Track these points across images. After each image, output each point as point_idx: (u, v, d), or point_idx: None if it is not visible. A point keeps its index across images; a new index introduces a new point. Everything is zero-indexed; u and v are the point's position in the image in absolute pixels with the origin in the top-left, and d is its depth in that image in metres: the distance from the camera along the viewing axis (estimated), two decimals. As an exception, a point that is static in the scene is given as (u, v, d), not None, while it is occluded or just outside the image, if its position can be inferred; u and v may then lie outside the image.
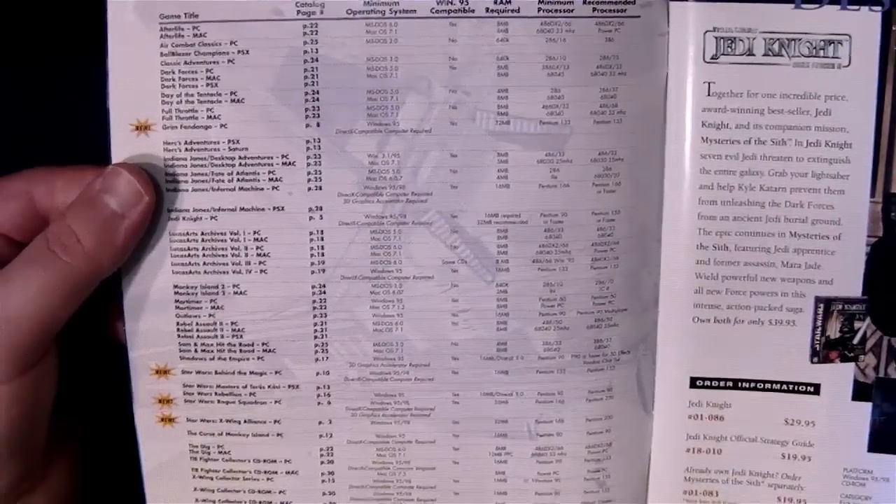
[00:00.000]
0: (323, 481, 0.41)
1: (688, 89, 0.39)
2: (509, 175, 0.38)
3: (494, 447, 0.41)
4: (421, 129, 0.38)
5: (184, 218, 0.39)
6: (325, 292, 0.39)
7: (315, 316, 0.39)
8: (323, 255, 0.39)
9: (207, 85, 0.38)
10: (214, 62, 0.38)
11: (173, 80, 0.38)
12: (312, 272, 0.39)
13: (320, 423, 0.40)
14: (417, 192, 0.38)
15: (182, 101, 0.38)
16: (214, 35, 0.38)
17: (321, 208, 0.38)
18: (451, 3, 0.37)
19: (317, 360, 0.40)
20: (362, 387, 0.40)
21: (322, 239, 0.39)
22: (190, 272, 0.39)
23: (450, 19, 0.37)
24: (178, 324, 0.40)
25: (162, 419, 0.40)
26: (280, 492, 0.41)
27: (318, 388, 0.40)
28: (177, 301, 0.39)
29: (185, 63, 0.38)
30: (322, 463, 0.41)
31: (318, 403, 0.40)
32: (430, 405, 0.40)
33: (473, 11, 0.37)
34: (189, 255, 0.39)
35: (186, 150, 0.38)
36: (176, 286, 0.39)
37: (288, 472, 0.41)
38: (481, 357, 0.40)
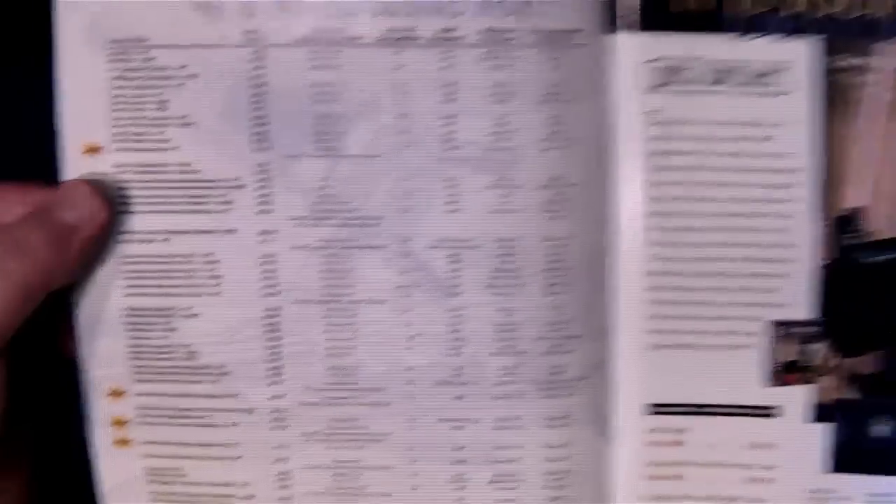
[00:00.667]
0: (280, 505, 0.41)
1: (635, 117, 0.39)
2: (459, 200, 0.38)
3: (451, 474, 0.40)
4: (370, 154, 0.38)
5: (136, 240, 0.39)
6: (278, 316, 0.39)
7: (269, 339, 0.39)
8: (275, 278, 0.39)
9: (158, 108, 0.38)
10: (164, 86, 0.38)
11: (123, 103, 0.38)
12: (265, 295, 0.39)
13: (276, 447, 0.40)
14: (368, 216, 0.38)
15: (132, 125, 0.38)
16: (164, 60, 0.38)
17: (272, 232, 0.38)
18: (397, 32, 0.37)
19: (271, 383, 0.40)
20: (317, 411, 0.40)
21: (274, 262, 0.39)
22: (143, 294, 0.39)
23: (396, 47, 0.37)
24: (131, 346, 0.40)
25: (117, 441, 0.40)
26: (232, 514, 0.41)
27: (273, 411, 0.40)
28: (130, 323, 0.39)
29: (135, 87, 0.38)
30: (279, 487, 0.41)
31: (274, 428, 0.40)
32: (387, 430, 0.40)
33: (419, 39, 0.37)
34: (142, 277, 0.39)
35: (137, 172, 0.38)
36: (129, 308, 0.39)
37: (245, 496, 0.41)
38: (437, 382, 0.39)
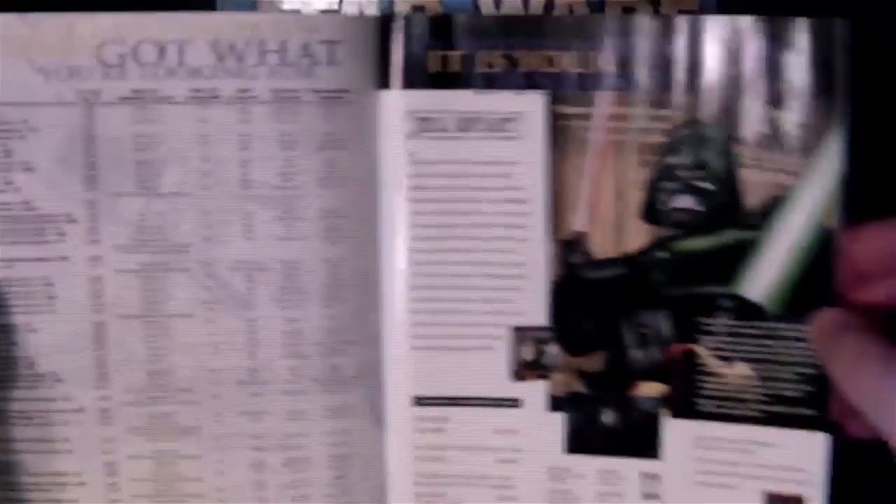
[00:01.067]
0: (109, 491, 0.48)
1: (397, 160, 0.47)
2: (253, 230, 0.47)
3: (251, 459, 0.48)
4: (179, 192, 0.47)
5: (-15, 268, 0.47)
6: (104, 329, 0.47)
7: (96, 349, 0.47)
8: (102, 297, 0.47)
9: (3, 155, 0.46)
10: (9, 137, 0.46)
11: (-25, 152, 0.46)
12: (93, 312, 0.47)
13: (104, 440, 0.48)
14: (178, 244, 0.47)
15: (-20, 169, 0.46)
16: (9, 115, 0.46)
17: (99, 258, 0.47)
18: (201, 92, 0.46)
19: (99, 387, 0.47)
20: (138, 410, 0.48)
21: (100, 284, 0.47)
22: (-9, 313, 0.47)
23: (200, 104, 0.46)
24: (-23, 358, 0.47)
25: (-36, 441, 0.48)
26: (73, 501, 0.48)
27: (101, 411, 0.48)
28: (-20, 338, 0.47)
29: (-15, 138, 0.46)
30: (107, 475, 0.48)
31: (101, 424, 0.48)
32: (197, 424, 0.48)
33: (220, 98, 0.46)
34: (-10, 298, 0.47)
35: (-16, 210, 0.46)
36: (-22, 326, 0.47)
37: (78, 484, 0.48)
38: (237, 382, 0.48)
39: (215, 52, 0.46)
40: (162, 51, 0.46)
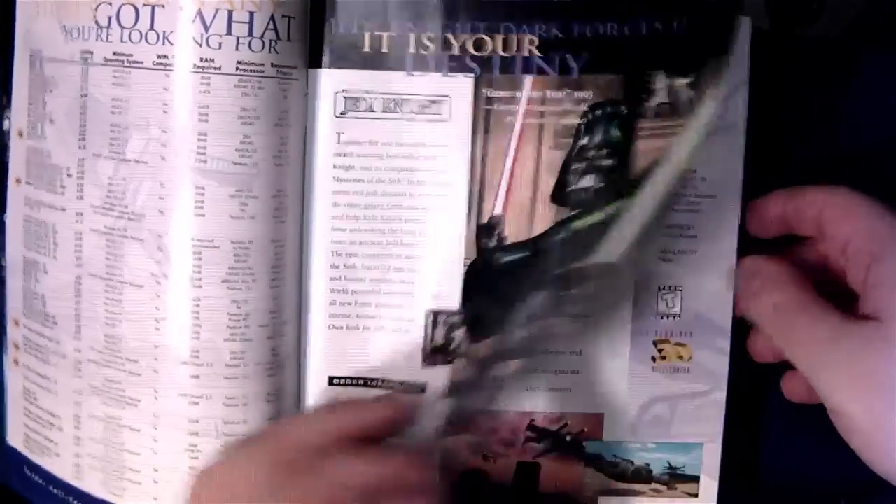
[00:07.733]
0: (74, 444, 0.50)
1: (324, 138, 0.46)
2: (205, 206, 0.45)
3: (187, 444, 0.46)
4: (140, 160, 0.46)
5: (27, 205, 0.51)
6: (80, 284, 0.49)
7: (75, 302, 0.49)
8: (80, 253, 0.48)
9: (42, 107, 0.50)
10: (45, 91, 0.50)
11: (31, 102, 0.50)
12: (76, 266, 0.49)
13: (75, 391, 0.50)
14: (136, 212, 0.46)
15: (31, 116, 0.50)
16: (47, 70, 0.49)
17: (82, 214, 0.48)
18: (166, 58, 0.45)
19: (75, 338, 0.49)
20: (97, 369, 0.48)
21: (80, 239, 0.48)
22: (27, 248, 0.51)
23: (164, 71, 0.45)
24: (22, 286, 0.52)
25: (13, 361, 0.53)
26: (54, 442, 0.51)
27: (76, 361, 0.49)
28: (23, 270, 0.52)
29: (36, 89, 0.50)
30: (74, 427, 0.50)
31: (74, 375, 0.50)
32: (138, 397, 0.47)
33: (182, 66, 0.45)
34: (27, 234, 0.51)
35: (29, 153, 0.51)
36: (23, 258, 0.52)
37: (58, 428, 0.51)
38: (177, 361, 0.46)
39: (183, 18, 0.44)
40: (137, 14, 0.45)
